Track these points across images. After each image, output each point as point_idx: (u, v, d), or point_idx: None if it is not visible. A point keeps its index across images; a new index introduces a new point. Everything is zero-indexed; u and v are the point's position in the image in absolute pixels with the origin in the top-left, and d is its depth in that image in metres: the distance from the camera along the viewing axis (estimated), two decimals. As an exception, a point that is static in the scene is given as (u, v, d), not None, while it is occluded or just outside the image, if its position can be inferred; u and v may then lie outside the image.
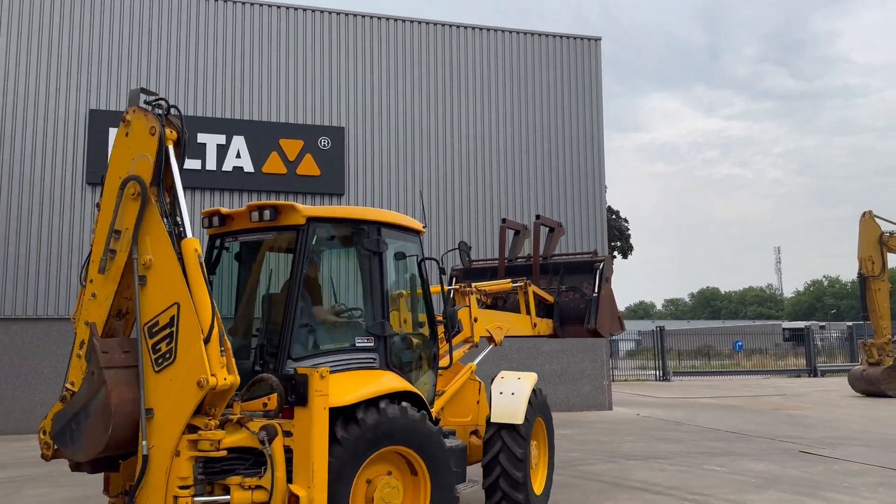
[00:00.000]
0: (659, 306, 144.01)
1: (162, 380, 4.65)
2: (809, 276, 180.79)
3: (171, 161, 4.89)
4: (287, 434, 4.84)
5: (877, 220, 21.63)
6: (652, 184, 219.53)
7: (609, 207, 31.65)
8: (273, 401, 4.95)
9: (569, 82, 18.24)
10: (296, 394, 4.84)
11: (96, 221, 5.13)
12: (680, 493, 8.03)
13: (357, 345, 5.80)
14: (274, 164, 16.12)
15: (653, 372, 32.18)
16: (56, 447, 4.91)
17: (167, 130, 4.84)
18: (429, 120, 17.25)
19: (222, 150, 15.89)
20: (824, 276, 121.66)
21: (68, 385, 4.95)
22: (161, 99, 4.93)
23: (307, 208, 5.72)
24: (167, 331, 4.68)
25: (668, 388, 25.52)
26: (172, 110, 4.93)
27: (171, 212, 4.97)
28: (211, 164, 15.79)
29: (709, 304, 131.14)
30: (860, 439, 12.20)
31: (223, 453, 4.64)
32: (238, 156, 15.96)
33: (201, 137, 15.80)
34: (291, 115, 16.44)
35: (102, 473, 5.45)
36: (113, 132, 15.20)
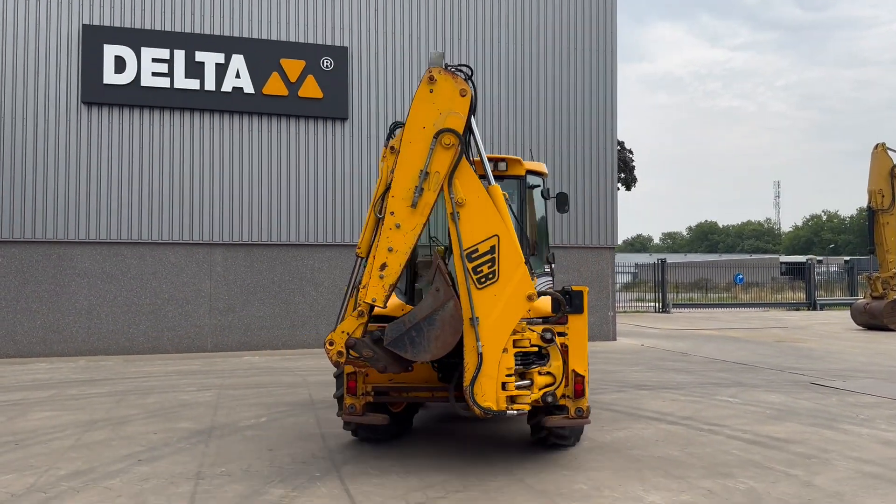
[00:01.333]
0: (656, 240, 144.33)
1: (485, 295, 5.71)
2: (808, 211, 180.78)
3: (472, 119, 5.89)
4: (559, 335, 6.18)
5: (889, 152, 21.19)
6: (653, 115, 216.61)
7: (615, 137, 30.98)
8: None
9: (582, 7, 17.46)
10: (573, 305, 6.18)
11: (384, 160, 6.07)
12: (695, 424, 7.93)
13: (546, 270, 7.83)
14: (275, 86, 15.53)
15: (651, 304, 32.32)
16: (352, 354, 5.81)
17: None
18: (435, 44, 16.58)
19: (221, 70, 15.28)
20: (823, 211, 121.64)
21: (368, 300, 5.76)
22: (464, 65, 5.91)
23: (526, 163, 7.45)
24: (488, 256, 5.75)
25: (668, 320, 25.57)
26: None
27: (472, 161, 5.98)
28: (210, 85, 15.21)
29: (706, 237, 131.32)
30: (868, 372, 12.15)
31: (535, 349, 5.98)
32: (237, 76, 15.36)
33: (199, 56, 15.18)
34: (293, 32, 15.77)
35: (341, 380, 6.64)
36: (108, 48, 14.64)
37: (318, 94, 15.76)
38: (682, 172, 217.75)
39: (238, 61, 15.37)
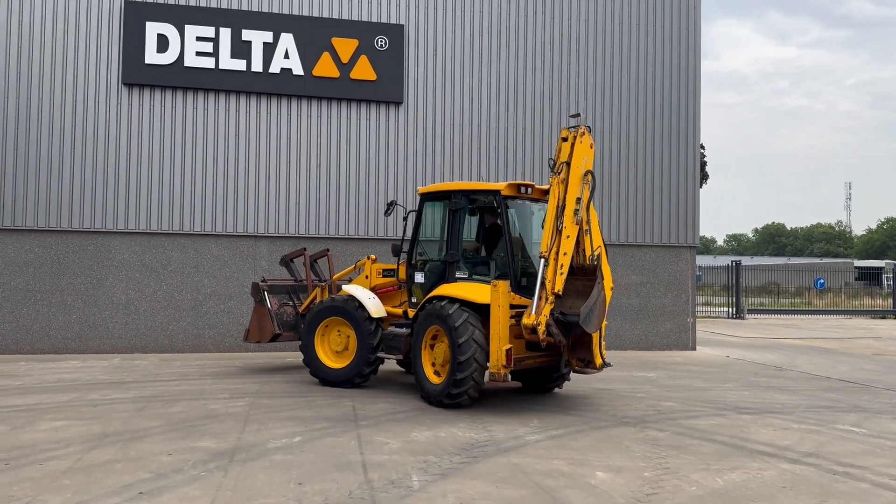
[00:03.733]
0: (720, 241, 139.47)
1: None
2: (881, 214, 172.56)
3: None
4: None
5: None
6: (717, 114, 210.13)
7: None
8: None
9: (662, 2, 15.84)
10: None
11: (555, 187, 8.18)
12: (825, 464, 6.37)
13: None
14: (325, 67, 14.39)
15: (721, 308, 30.32)
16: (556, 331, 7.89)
17: None
18: (499, 22, 15.20)
19: (269, 50, 14.22)
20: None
21: (556, 291, 7.83)
22: (587, 126, 8.37)
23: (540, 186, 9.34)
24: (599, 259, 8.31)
25: (744, 327, 23.62)
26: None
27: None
28: (257, 66, 14.16)
29: (773, 240, 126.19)
30: None
31: None
32: (286, 56, 14.27)
33: (246, 34, 14.14)
34: (345, 9, 14.60)
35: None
36: (151, 25, 13.74)
37: (372, 75, 14.56)
38: (748, 173, 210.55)
39: (287, 40, 14.29)
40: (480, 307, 8.28)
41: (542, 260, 7.92)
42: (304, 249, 12.06)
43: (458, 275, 8.96)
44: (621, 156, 15.46)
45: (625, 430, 7.52)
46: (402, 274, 9.82)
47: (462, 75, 15.04)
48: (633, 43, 15.65)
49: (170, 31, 13.86)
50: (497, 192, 8.91)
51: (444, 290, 8.76)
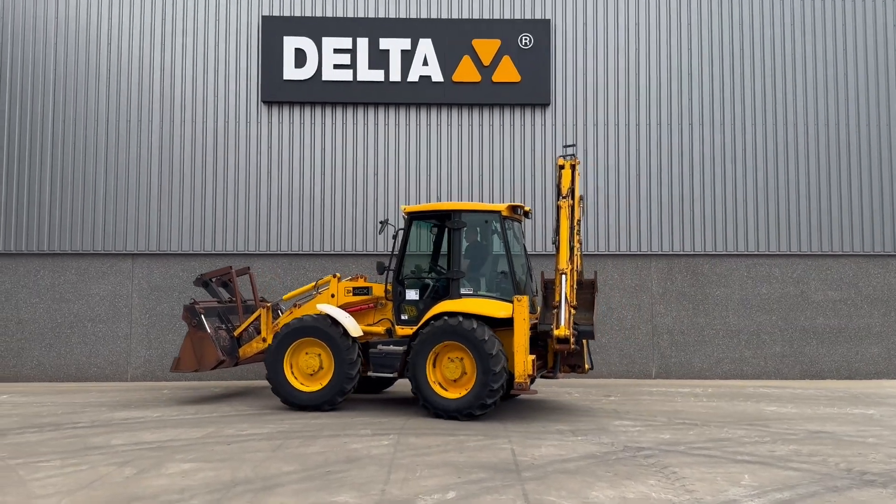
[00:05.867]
0: None
1: None
2: None
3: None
4: None
5: None
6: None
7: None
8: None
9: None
10: None
11: (565, 209, 9.16)
12: None
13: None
14: (466, 71, 13.38)
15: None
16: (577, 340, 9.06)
17: None
18: (658, 8, 13.59)
19: (407, 57, 13.41)
20: None
21: (575, 304, 8.87)
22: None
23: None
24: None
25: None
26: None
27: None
28: (395, 75, 13.39)
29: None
30: None
31: None
32: (425, 63, 13.40)
33: (384, 43, 13.41)
34: (486, 7, 13.55)
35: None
36: (288, 40, 13.33)
37: (516, 77, 13.38)
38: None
39: (425, 46, 13.42)
40: (494, 321, 8.87)
41: (563, 275, 8.73)
42: (230, 268, 11.36)
43: (462, 291, 9.26)
44: (809, 150, 13.31)
45: (874, 494, 5.72)
46: (380, 291, 10.03)
47: (616, 72, 13.53)
48: (828, 28, 13.50)
49: (307, 44, 13.37)
50: (498, 212, 9.56)
51: (453, 306, 9.04)
